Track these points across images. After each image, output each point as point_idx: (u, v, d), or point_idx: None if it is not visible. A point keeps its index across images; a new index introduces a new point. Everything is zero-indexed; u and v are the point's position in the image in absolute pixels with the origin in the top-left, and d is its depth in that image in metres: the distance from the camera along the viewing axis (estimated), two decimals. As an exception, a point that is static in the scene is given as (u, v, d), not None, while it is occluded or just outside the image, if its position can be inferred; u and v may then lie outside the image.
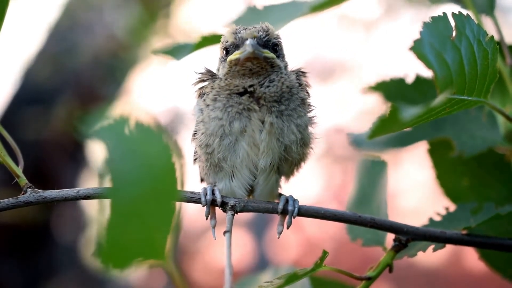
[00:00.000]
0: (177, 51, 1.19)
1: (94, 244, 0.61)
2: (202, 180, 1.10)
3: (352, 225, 1.05)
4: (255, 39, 0.98)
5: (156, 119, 0.67)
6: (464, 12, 0.89)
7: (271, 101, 0.98)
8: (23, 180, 0.93)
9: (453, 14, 0.87)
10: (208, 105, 0.99)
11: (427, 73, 1.17)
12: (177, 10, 3.89)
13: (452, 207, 1.08)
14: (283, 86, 0.99)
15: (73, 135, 3.16)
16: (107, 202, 0.61)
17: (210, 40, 1.15)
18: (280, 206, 0.97)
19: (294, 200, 0.98)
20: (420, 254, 1.00)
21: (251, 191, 1.03)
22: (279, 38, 1.03)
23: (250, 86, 0.98)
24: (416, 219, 1.09)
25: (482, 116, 1.16)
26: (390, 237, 1.01)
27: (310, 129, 1.02)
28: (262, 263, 4.44)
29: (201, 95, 1.03)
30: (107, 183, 0.62)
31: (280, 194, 1.04)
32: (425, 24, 0.84)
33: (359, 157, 1.23)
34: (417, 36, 0.83)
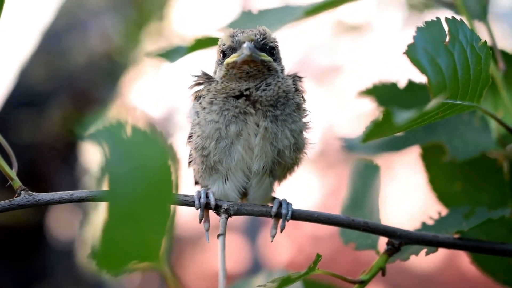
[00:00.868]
0: (171, 53, 1.19)
1: (89, 247, 0.61)
2: (196, 183, 1.10)
3: (345, 228, 1.06)
4: (253, 42, 0.99)
5: (151, 122, 0.68)
6: (458, 17, 0.89)
7: (267, 105, 0.98)
8: (17, 183, 0.93)
9: (447, 19, 0.88)
10: (204, 108, 0.99)
11: (420, 78, 1.18)
12: (171, 13, 3.89)
13: (445, 211, 1.09)
14: (279, 91, 0.99)
15: (67, 138, 3.15)
16: (102, 204, 0.62)
17: (203, 43, 1.16)
18: (274, 210, 0.97)
19: (288, 204, 0.98)
20: (414, 258, 1.01)
21: (244, 194, 1.03)
22: (276, 41, 1.04)
23: (247, 89, 0.98)
24: (409, 223, 1.09)
25: (474, 120, 1.17)
26: (383, 241, 1.02)
27: (305, 134, 1.02)
28: (256, 266, 4.44)
29: (197, 98, 1.03)
30: (104, 186, 0.62)
31: (274, 198, 1.04)
32: (419, 29, 0.85)
33: (352, 161, 1.23)
34: (410, 40, 0.84)
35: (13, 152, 0.96)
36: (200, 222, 0.98)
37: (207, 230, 0.98)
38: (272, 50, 1.02)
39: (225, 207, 0.95)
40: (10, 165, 0.95)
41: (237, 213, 0.96)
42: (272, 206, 0.98)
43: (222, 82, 1.00)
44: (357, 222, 0.98)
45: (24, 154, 3.16)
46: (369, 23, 4.26)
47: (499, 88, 1.08)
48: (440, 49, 0.85)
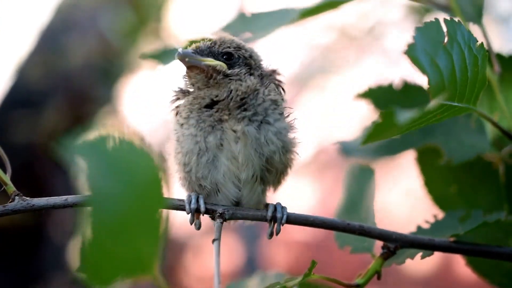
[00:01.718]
0: (164, 56, 1.19)
1: (79, 260, 0.61)
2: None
3: (340, 232, 1.06)
4: (195, 49, 1.00)
5: (139, 132, 0.67)
6: (455, 19, 0.89)
7: (235, 107, 0.97)
8: (11, 188, 0.92)
9: (445, 20, 0.88)
10: (182, 124, 0.99)
11: (414, 80, 1.18)
12: (168, 14, 3.88)
13: (440, 215, 1.09)
14: (238, 92, 0.98)
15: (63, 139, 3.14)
16: (90, 216, 0.61)
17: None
18: (269, 214, 0.97)
19: (283, 207, 0.98)
20: (411, 261, 1.01)
21: (237, 203, 1.01)
22: (239, 48, 1.03)
23: (216, 96, 0.98)
24: (405, 227, 1.09)
25: (470, 123, 1.17)
26: (378, 245, 1.01)
27: (291, 134, 1.01)
28: (251, 269, 4.42)
29: (177, 113, 1.02)
30: (89, 202, 0.61)
31: (267, 204, 1.02)
32: (418, 29, 0.85)
33: (347, 165, 1.23)
34: (410, 40, 0.84)
35: (9, 152, 0.96)
36: (191, 224, 0.97)
37: (198, 229, 0.98)
38: (225, 56, 1.01)
39: (220, 212, 0.95)
40: (4, 169, 0.94)
41: (232, 217, 0.96)
42: (267, 210, 0.98)
43: (193, 92, 1.01)
44: (353, 226, 0.98)
45: (20, 154, 3.15)
46: (366, 26, 4.26)
47: (495, 91, 1.08)
48: (439, 49, 0.85)
